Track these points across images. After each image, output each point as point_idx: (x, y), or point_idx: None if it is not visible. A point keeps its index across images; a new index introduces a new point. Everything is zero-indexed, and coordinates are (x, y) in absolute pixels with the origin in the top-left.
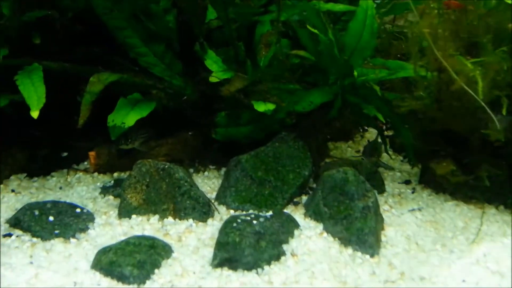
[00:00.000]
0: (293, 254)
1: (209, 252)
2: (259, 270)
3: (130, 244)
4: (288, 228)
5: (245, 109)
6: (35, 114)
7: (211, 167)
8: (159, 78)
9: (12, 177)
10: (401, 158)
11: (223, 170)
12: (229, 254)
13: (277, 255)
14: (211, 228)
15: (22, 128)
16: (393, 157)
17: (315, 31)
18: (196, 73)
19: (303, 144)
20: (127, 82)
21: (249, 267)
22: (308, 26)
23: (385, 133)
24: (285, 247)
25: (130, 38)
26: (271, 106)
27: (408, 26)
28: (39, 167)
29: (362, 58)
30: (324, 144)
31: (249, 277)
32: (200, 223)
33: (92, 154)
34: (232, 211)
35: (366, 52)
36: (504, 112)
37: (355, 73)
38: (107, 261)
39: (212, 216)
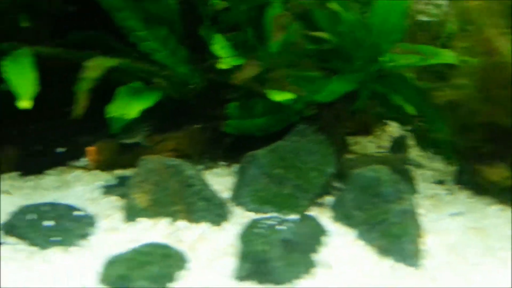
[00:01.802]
0: (326, 265)
1: (229, 262)
2: (288, 284)
3: (141, 254)
4: (317, 235)
5: (259, 99)
6: (25, 104)
7: (221, 163)
8: (162, 65)
9: (3, 176)
10: (429, 155)
11: (235, 166)
12: (256, 265)
13: (309, 266)
14: (228, 233)
15: (13, 122)
16: (421, 154)
17: (339, 8)
18: (203, 60)
19: (324, 138)
20: (127, 69)
21: (279, 281)
22: (330, 4)
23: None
24: (316, 257)
25: (129, 20)
26: (289, 96)
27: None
28: (33, 165)
29: (390, 42)
30: (343, 138)
31: None
32: (215, 227)
33: (91, 149)
34: (250, 213)
35: (395, 35)
36: None
37: (384, 58)
38: (117, 275)
39: (228, 219)
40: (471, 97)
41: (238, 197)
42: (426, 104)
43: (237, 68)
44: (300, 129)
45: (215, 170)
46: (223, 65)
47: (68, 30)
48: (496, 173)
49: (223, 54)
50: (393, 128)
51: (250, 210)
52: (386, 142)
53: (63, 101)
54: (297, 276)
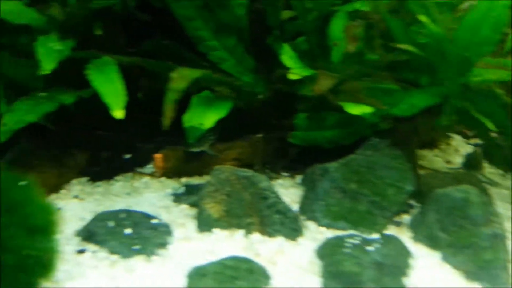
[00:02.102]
0: None
1: (312, 280)
2: None
3: (227, 268)
4: (404, 257)
5: (330, 110)
6: (118, 114)
7: (284, 174)
8: (228, 74)
9: (73, 181)
10: (502, 172)
11: (298, 178)
12: (344, 285)
13: None
14: (305, 248)
15: (81, 127)
16: (492, 171)
17: (427, 19)
18: (269, 70)
19: (400, 153)
20: (206, 80)
21: None
22: (420, 16)
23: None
24: (404, 280)
25: (200, 30)
26: (367, 109)
27: None
28: (101, 170)
29: (479, 55)
30: (415, 157)
31: None
32: (291, 242)
33: (158, 156)
34: (323, 229)
35: (486, 48)
36: None
37: (472, 72)
38: None
39: (303, 233)
40: None
41: (308, 211)
42: (507, 118)
43: (307, 79)
44: (374, 143)
45: (278, 181)
46: (293, 75)
47: (142, 39)
48: None
49: (292, 64)
50: (457, 142)
51: (323, 225)
52: (452, 157)
53: (130, 108)
54: None
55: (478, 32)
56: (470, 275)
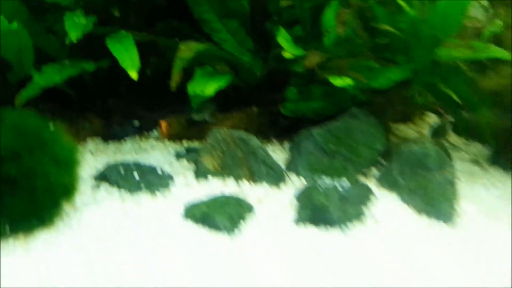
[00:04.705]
0: (373, 217)
1: (290, 213)
2: (343, 226)
3: (218, 201)
4: (367, 196)
5: (318, 84)
6: (133, 75)
7: (275, 141)
8: (230, 53)
9: (88, 140)
10: (468, 142)
11: (287, 144)
12: (314, 213)
13: (358, 216)
14: (287, 193)
15: (98, 95)
16: (455, 139)
17: (404, 4)
18: (266, 51)
19: (374, 121)
20: (209, 54)
21: (333, 224)
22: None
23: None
24: (365, 210)
25: (207, 13)
26: (349, 81)
27: None
28: (113, 133)
29: (446, 35)
30: (389, 127)
31: (333, 232)
32: (276, 189)
33: (163, 123)
34: (304, 180)
35: (452, 29)
36: None
37: (439, 51)
38: (201, 213)
39: (286, 183)
40: None
41: (293, 168)
42: (472, 93)
43: (299, 58)
44: (354, 112)
45: (270, 147)
46: (287, 54)
47: (155, 20)
48: None
49: (286, 45)
50: (432, 118)
51: (304, 177)
52: (424, 130)
53: (140, 82)
54: (349, 222)
55: (446, 16)
56: (420, 210)
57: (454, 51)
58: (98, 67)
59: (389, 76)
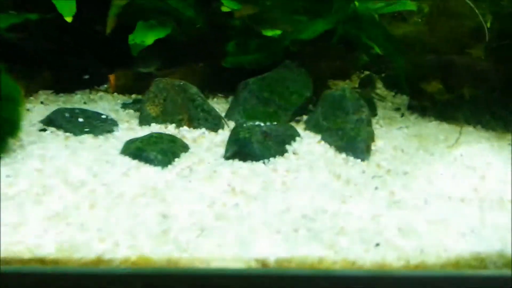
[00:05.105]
0: (294, 153)
1: (221, 150)
2: (266, 161)
3: (153, 137)
4: (291, 134)
5: (254, 37)
6: (69, 19)
7: (220, 95)
8: (173, 8)
9: (40, 92)
10: (392, 94)
11: (231, 98)
12: (240, 148)
13: (281, 152)
14: (222, 136)
15: (50, 51)
16: (385, 92)
17: None
18: (207, 5)
19: (305, 70)
20: (147, 5)
21: (257, 159)
22: None
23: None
24: (288, 147)
25: None
26: (278, 32)
27: None
28: (64, 86)
29: None
30: (324, 80)
31: (257, 165)
32: (212, 132)
33: (112, 76)
34: None
35: None
36: None
37: (356, 3)
38: (135, 147)
39: (223, 127)
40: (421, 32)
41: (231, 114)
42: (388, 41)
43: (236, 12)
44: (286, 63)
45: (214, 100)
46: (225, 8)
47: None
48: (431, 86)
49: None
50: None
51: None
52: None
53: (85, 40)
54: (271, 156)
55: None
56: (339, 149)
57: (370, 4)
58: (42, 19)
59: (315, 28)
